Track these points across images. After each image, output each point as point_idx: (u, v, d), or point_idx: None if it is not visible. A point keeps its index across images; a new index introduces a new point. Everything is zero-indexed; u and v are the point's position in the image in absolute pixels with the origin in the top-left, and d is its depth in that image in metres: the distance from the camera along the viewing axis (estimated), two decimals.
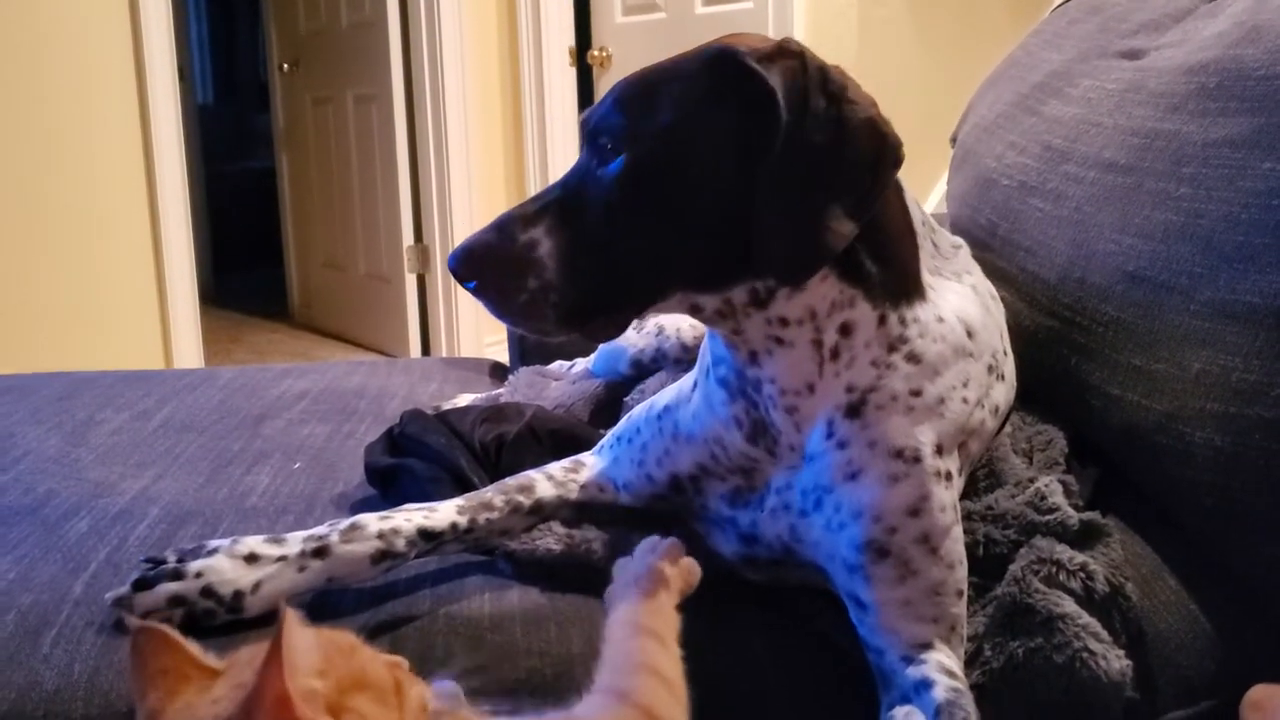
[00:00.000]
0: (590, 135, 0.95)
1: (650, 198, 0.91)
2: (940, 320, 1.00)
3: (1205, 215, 1.09)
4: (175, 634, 0.64)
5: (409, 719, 0.61)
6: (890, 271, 0.97)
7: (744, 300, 0.95)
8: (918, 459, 0.96)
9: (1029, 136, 1.46)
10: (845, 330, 0.95)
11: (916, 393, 0.97)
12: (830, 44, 3.90)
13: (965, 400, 1.01)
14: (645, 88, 0.93)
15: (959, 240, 1.19)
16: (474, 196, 4.50)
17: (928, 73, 4.07)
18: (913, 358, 0.97)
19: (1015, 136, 1.50)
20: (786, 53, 0.91)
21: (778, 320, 0.95)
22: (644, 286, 0.94)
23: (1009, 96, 1.60)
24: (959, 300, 1.05)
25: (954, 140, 1.81)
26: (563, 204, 0.94)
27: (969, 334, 1.03)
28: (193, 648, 0.64)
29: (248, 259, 6.57)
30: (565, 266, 0.92)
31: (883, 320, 0.96)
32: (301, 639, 0.58)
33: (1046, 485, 1.10)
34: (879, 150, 0.91)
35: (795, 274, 0.91)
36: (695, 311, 0.97)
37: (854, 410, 0.96)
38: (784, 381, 0.97)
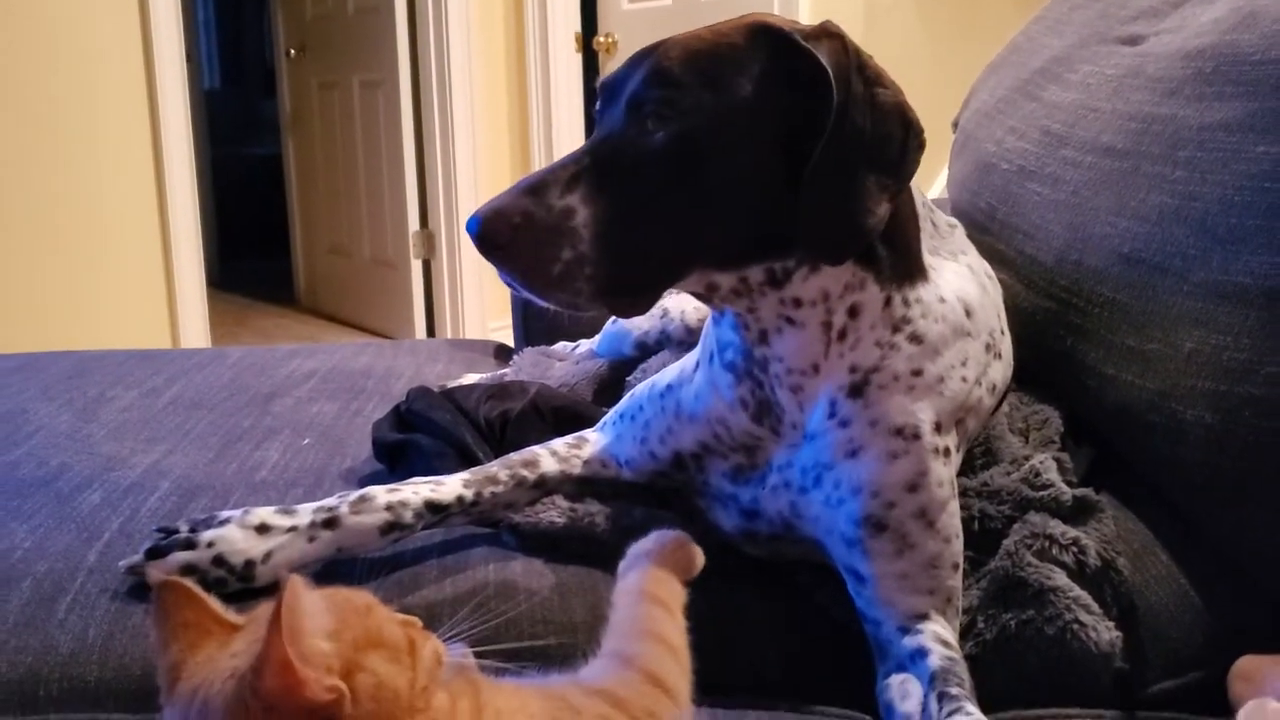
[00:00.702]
0: (628, 104, 0.91)
1: (695, 171, 0.89)
2: (942, 300, 1.02)
3: (1200, 198, 1.11)
4: (198, 589, 0.66)
5: (422, 675, 0.62)
6: (897, 253, 0.98)
7: (760, 279, 0.95)
8: (917, 436, 0.97)
9: (1028, 122, 1.48)
10: (853, 312, 0.96)
11: (917, 372, 0.98)
12: None
13: (964, 379, 1.02)
14: (695, 59, 0.90)
15: (954, 220, 1.20)
16: (479, 182, 4.52)
17: (932, 58, 4.08)
18: (915, 338, 0.99)
19: (1015, 122, 1.51)
20: (830, 34, 0.92)
21: (791, 301, 0.96)
22: (673, 262, 0.93)
23: (1010, 82, 1.61)
24: (958, 280, 1.07)
25: (955, 125, 1.82)
26: (598, 171, 0.90)
27: (968, 313, 1.05)
28: (214, 603, 0.66)
29: (254, 244, 6.58)
30: (601, 238, 0.88)
31: (888, 302, 0.98)
32: (310, 603, 0.59)
33: (1041, 462, 1.12)
34: (907, 134, 0.92)
35: (840, 254, 0.92)
36: (711, 290, 0.96)
37: (856, 390, 0.97)
38: (791, 361, 0.98)
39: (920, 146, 0.93)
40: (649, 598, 0.82)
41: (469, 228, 0.88)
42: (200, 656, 0.63)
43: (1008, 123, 1.54)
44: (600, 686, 0.73)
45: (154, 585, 0.67)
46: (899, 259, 0.99)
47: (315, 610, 0.60)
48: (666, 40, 0.94)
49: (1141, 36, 1.37)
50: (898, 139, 0.92)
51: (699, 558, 0.89)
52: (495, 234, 0.87)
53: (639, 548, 0.88)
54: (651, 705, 0.73)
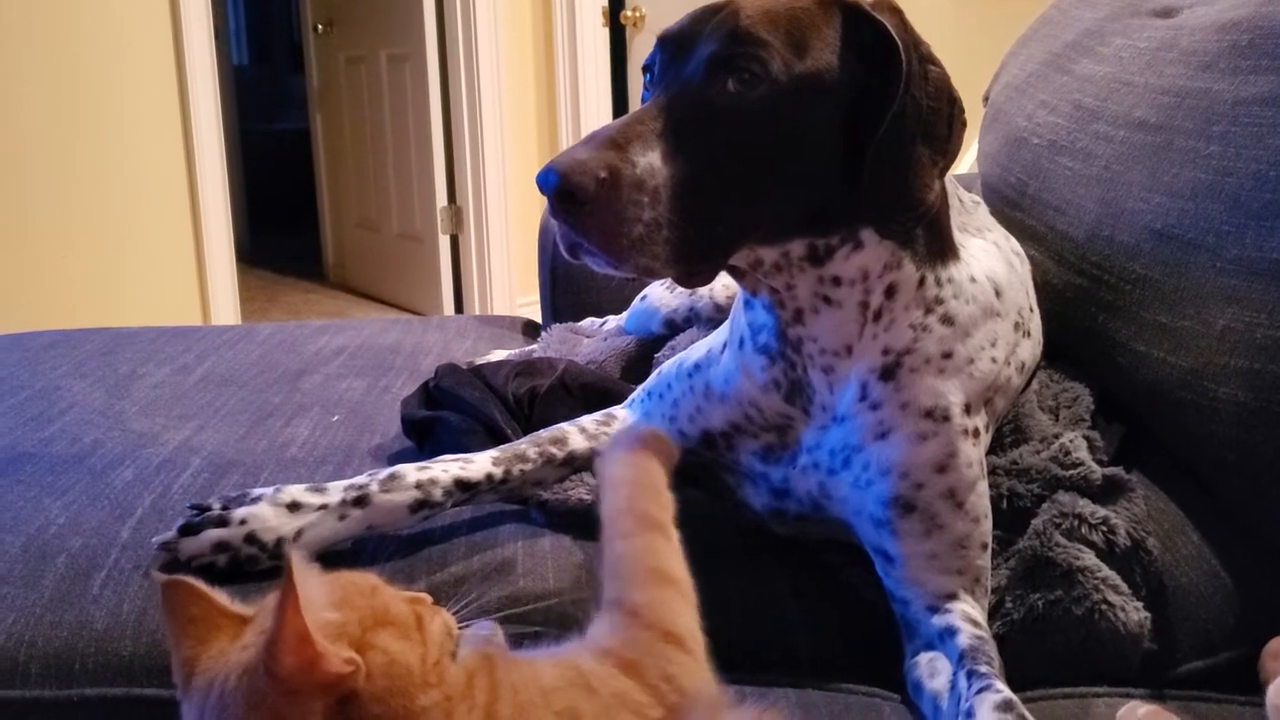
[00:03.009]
0: (714, 60, 0.87)
1: (774, 136, 0.87)
2: (973, 280, 1.01)
3: (1234, 173, 1.10)
4: (202, 585, 0.66)
5: (433, 649, 0.63)
6: (931, 233, 0.98)
7: (801, 254, 0.95)
8: (947, 418, 0.97)
9: (1060, 95, 1.46)
10: (890, 292, 0.96)
11: (948, 355, 0.98)
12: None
13: (994, 360, 1.02)
14: (776, 21, 0.88)
15: (977, 197, 1.19)
16: (507, 157, 4.51)
17: (962, 31, 4.04)
18: (947, 319, 0.98)
19: (1046, 95, 1.50)
20: (892, 7, 0.92)
21: (831, 280, 0.95)
22: (740, 228, 0.90)
23: (1041, 55, 1.60)
24: (987, 258, 1.06)
25: (986, 99, 1.80)
26: (677, 129, 0.86)
27: (997, 293, 1.04)
28: (221, 597, 0.66)
29: (282, 220, 6.61)
30: (679, 199, 0.84)
31: (922, 281, 0.97)
32: (313, 580, 0.60)
33: (1071, 441, 1.12)
34: (953, 110, 0.93)
35: (905, 228, 0.93)
36: (755, 266, 0.95)
37: (889, 372, 0.97)
38: (825, 341, 0.98)
39: (964, 124, 0.94)
40: (642, 521, 0.78)
41: (543, 181, 0.82)
42: (213, 650, 0.64)
43: (1039, 96, 1.52)
44: (610, 647, 0.70)
45: (159, 585, 0.67)
46: (933, 238, 0.98)
47: (317, 586, 0.61)
48: (734, 5, 0.91)
49: (1175, 9, 1.35)
50: (946, 115, 0.92)
51: (675, 449, 0.86)
52: (579, 188, 0.81)
53: (613, 452, 0.84)
54: (666, 666, 0.70)
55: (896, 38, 0.89)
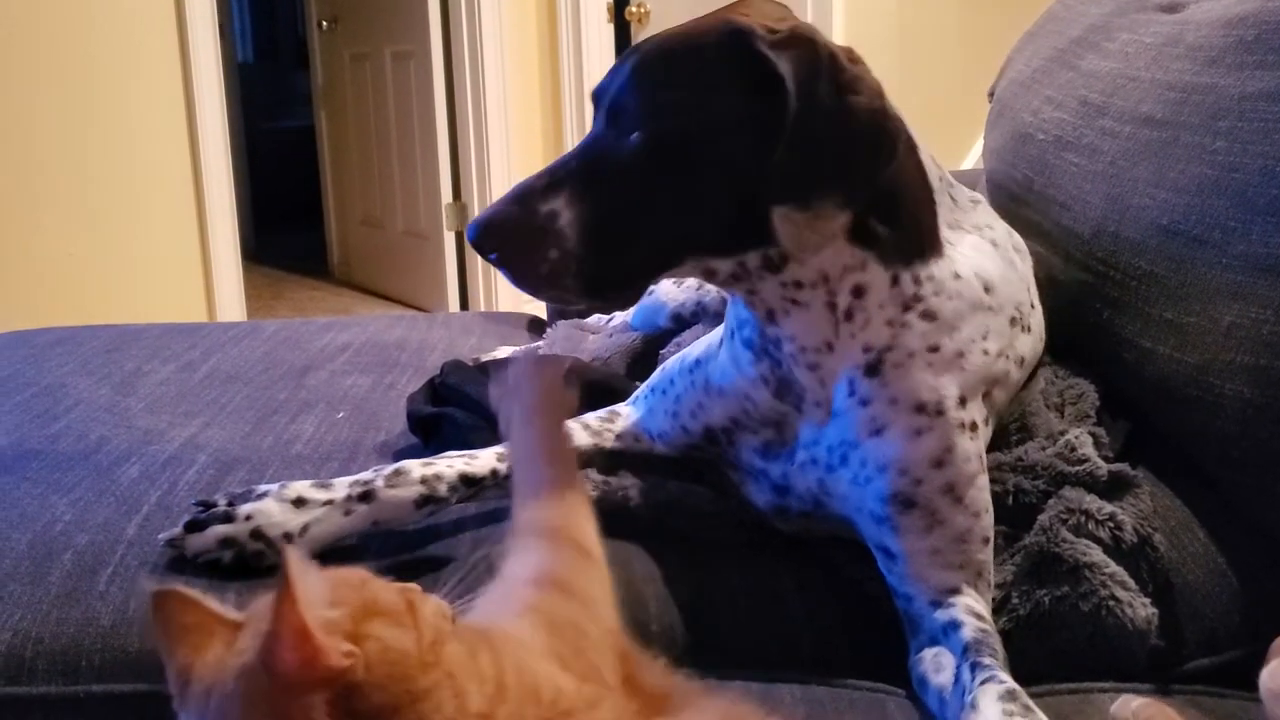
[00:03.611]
0: (608, 110, 0.95)
1: (667, 173, 0.92)
2: (957, 277, 1.00)
3: (1241, 169, 1.09)
4: (193, 592, 0.66)
5: (427, 633, 0.62)
6: (903, 232, 0.97)
7: (757, 264, 0.95)
8: (940, 411, 0.97)
9: (1066, 91, 1.46)
10: (858, 292, 0.96)
11: (934, 348, 0.98)
12: None
13: (986, 352, 1.02)
14: (660, 63, 0.94)
15: (978, 195, 1.19)
16: (512, 153, 4.51)
17: (967, 26, 4.03)
18: (928, 315, 0.98)
19: (1052, 91, 1.49)
20: (799, 38, 0.91)
21: (792, 284, 0.96)
22: (660, 255, 0.96)
23: (1047, 51, 1.59)
24: (977, 255, 1.05)
25: (991, 95, 1.80)
26: (582, 175, 0.94)
27: (986, 289, 1.03)
28: (212, 603, 0.66)
29: (287, 217, 6.61)
30: (586, 237, 0.92)
31: (895, 280, 0.97)
32: (309, 575, 0.60)
33: (1077, 437, 1.11)
34: (879, 140, 0.91)
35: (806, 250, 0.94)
36: (709, 275, 0.98)
37: (873, 369, 0.97)
38: (803, 340, 0.98)
39: (892, 155, 0.92)
40: (544, 442, 0.86)
41: (467, 235, 0.95)
42: (208, 657, 0.63)
43: (1044, 92, 1.52)
44: (545, 571, 0.75)
45: (149, 596, 0.66)
46: (905, 237, 0.97)
47: (314, 582, 0.61)
48: (645, 42, 0.97)
49: (1181, 4, 1.35)
50: (867, 148, 0.91)
51: (564, 363, 0.94)
52: (486, 241, 0.93)
53: (508, 379, 0.90)
54: (587, 585, 0.75)
55: (786, 74, 0.88)
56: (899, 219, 0.97)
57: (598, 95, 0.98)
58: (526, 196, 0.94)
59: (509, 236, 0.93)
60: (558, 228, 0.92)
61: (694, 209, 0.94)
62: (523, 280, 0.95)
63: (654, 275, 0.98)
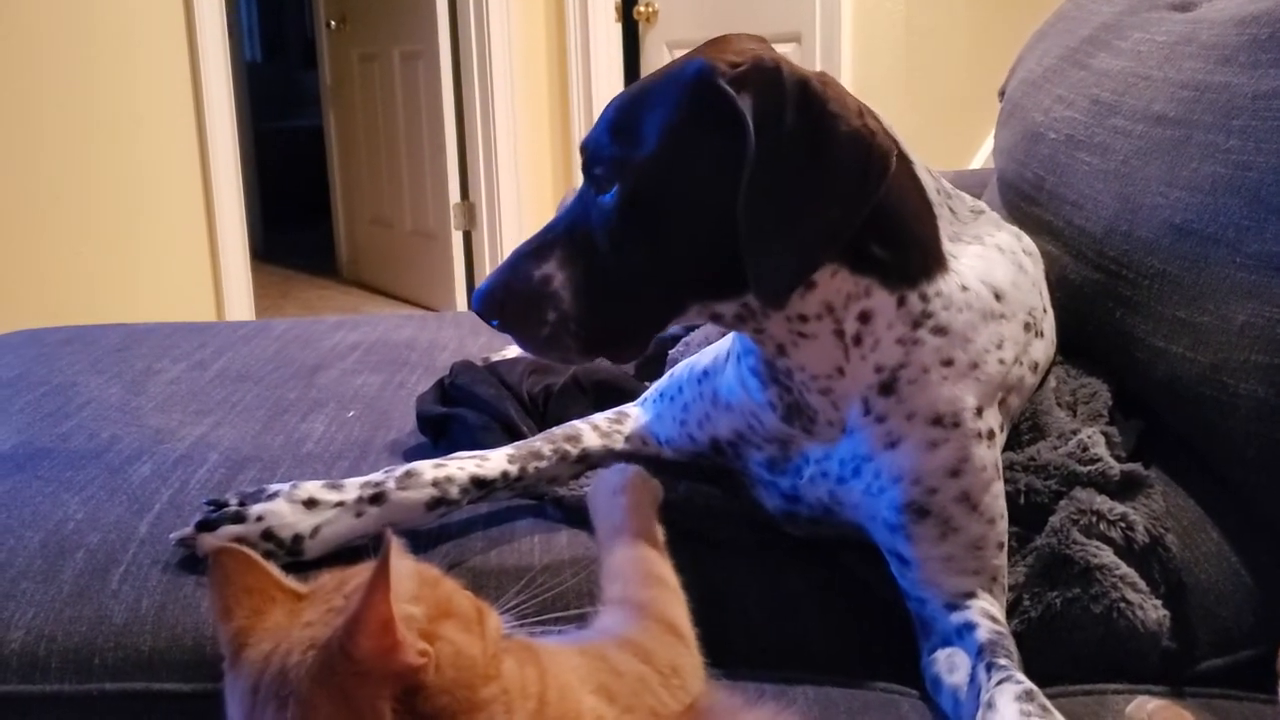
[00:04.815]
0: (586, 166, 0.95)
1: (647, 224, 0.92)
2: (964, 289, 0.99)
3: (1254, 168, 1.09)
4: (257, 556, 0.67)
5: (490, 645, 0.63)
6: (904, 253, 0.96)
7: (759, 304, 0.94)
8: (957, 423, 0.96)
9: (1077, 90, 1.45)
10: (864, 318, 0.95)
11: (948, 362, 0.97)
12: None
13: (1001, 361, 1.01)
14: (630, 112, 0.93)
15: (980, 205, 1.18)
16: (519, 153, 4.52)
17: (977, 26, 4.03)
18: (939, 330, 0.97)
19: (1063, 90, 1.49)
20: (761, 70, 0.88)
21: (797, 318, 0.95)
22: (659, 306, 0.95)
23: (1058, 50, 1.59)
24: (983, 264, 1.04)
25: (1002, 94, 1.80)
26: (570, 236, 0.95)
27: (997, 296, 1.02)
28: (275, 570, 0.66)
29: (296, 216, 6.63)
30: (581, 296, 0.93)
31: (902, 301, 0.95)
32: (402, 565, 0.60)
33: (1089, 437, 1.11)
34: (864, 163, 0.88)
35: (771, 297, 0.90)
36: (716, 319, 0.97)
37: (887, 388, 0.96)
38: (813, 369, 0.97)
39: (884, 171, 0.88)
40: (639, 535, 0.86)
41: (473, 306, 0.98)
42: (268, 623, 0.63)
43: (1056, 91, 1.51)
44: (626, 635, 0.75)
45: (211, 552, 0.67)
46: (907, 257, 0.96)
47: (406, 574, 0.61)
48: (623, 92, 0.97)
49: (1194, 3, 1.35)
50: (852, 168, 0.88)
51: (660, 489, 0.94)
52: (488, 311, 0.96)
53: (607, 517, 0.92)
54: (674, 657, 0.75)
55: (745, 109, 0.87)
56: (898, 239, 0.95)
57: (583, 149, 0.97)
58: (521, 263, 0.95)
59: (509, 304, 0.95)
60: (552, 291, 0.94)
61: (679, 259, 0.93)
62: (527, 343, 0.97)
63: (657, 326, 0.97)
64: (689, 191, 0.91)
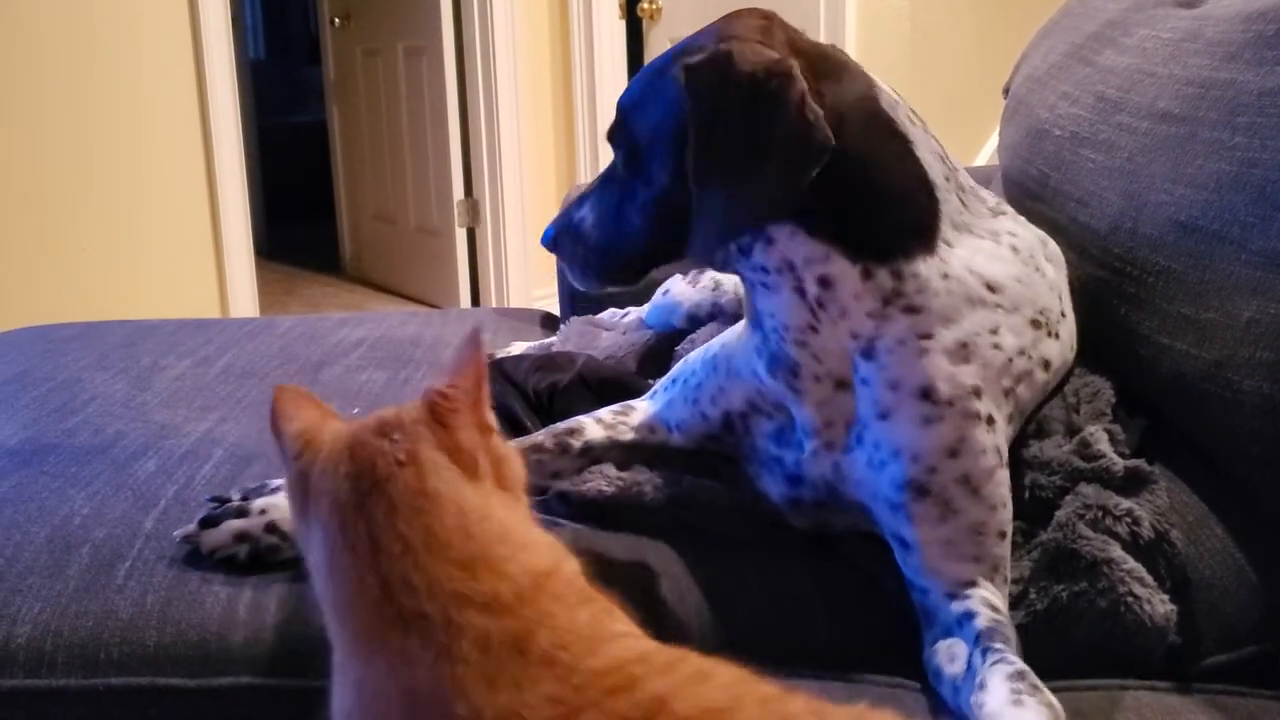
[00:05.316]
0: (609, 133, 1.10)
1: (635, 179, 1.05)
2: (945, 276, 0.99)
3: (1259, 164, 1.09)
4: (309, 392, 0.77)
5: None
6: (875, 228, 0.98)
7: (733, 248, 1.02)
8: (950, 401, 0.97)
9: (1082, 87, 1.45)
10: (824, 283, 0.98)
11: (926, 336, 0.98)
12: None
13: (998, 346, 1.01)
14: (636, 87, 1.06)
15: (1005, 206, 1.18)
16: (524, 150, 4.52)
17: (982, 22, 4.03)
18: (911, 309, 0.98)
19: (1068, 87, 1.49)
20: (716, 59, 0.96)
21: (760, 268, 1.01)
22: (651, 250, 1.07)
23: (1063, 47, 1.59)
24: (980, 258, 1.03)
25: (1006, 91, 1.80)
26: (598, 187, 1.11)
27: (991, 288, 1.02)
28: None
29: (299, 213, 6.62)
30: (594, 236, 1.09)
31: (868, 274, 0.97)
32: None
33: (1092, 434, 1.11)
34: (797, 154, 0.93)
35: (698, 250, 1.02)
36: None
37: (867, 353, 0.99)
38: (782, 317, 1.02)
39: (817, 158, 0.93)
40: None
41: (543, 241, 1.16)
42: (330, 426, 0.73)
43: (1061, 88, 1.51)
44: None
45: (273, 394, 0.77)
46: (879, 233, 0.98)
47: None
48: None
49: None
50: (782, 155, 0.94)
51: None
52: (551, 244, 1.14)
53: None
54: None
55: (690, 94, 0.97)
56: (871, 215, 0.98)
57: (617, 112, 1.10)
58: (571, 207, 1.13)
59: (561, 238, 1.12)
60: (585, 230, 1.10)
61: (663, 203, 1.03)
62: (572, 272, 1.13)
63: (650, 265, 1.09)
64: (661, 156, 1.02)
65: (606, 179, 1.11)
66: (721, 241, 1.00)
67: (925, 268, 0.99)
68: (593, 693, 0.60)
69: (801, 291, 0.99)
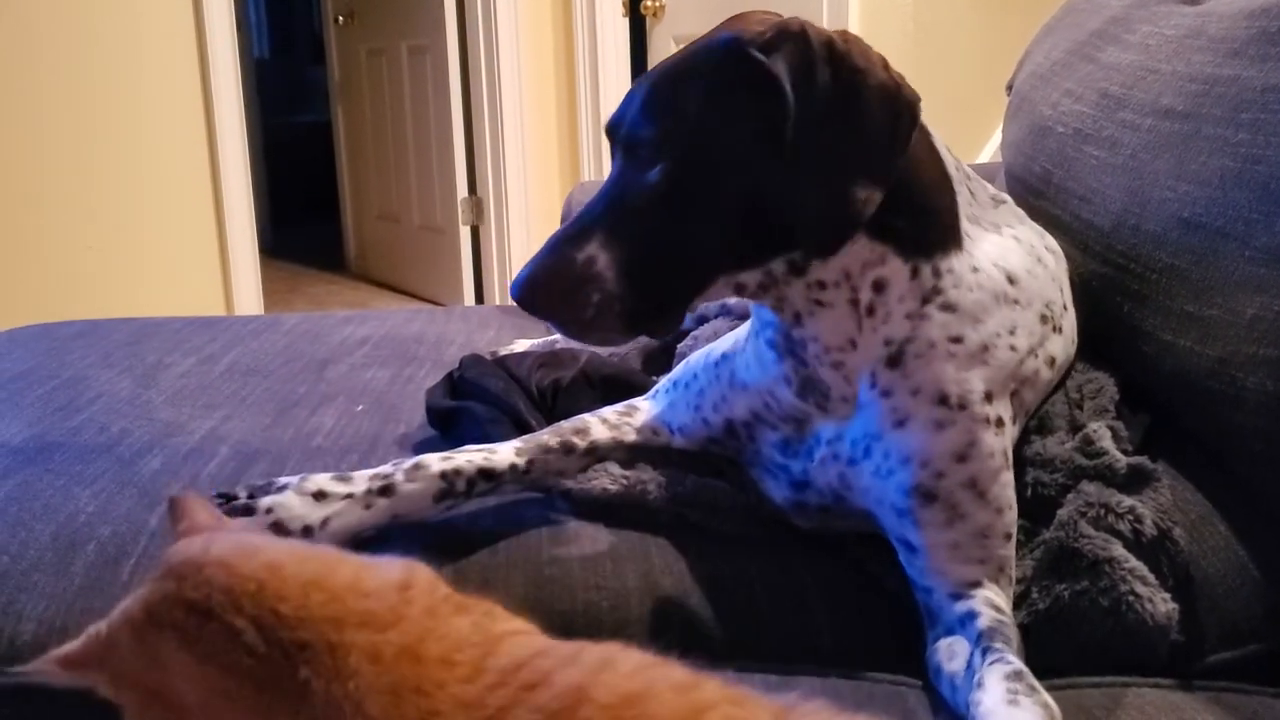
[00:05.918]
0: (624, 146, 0.97)
1: (691, 198, 0.94)
2: (975, 270, 1.00)
3: (1263, 161, 1.09)
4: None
5: None
6: (920, 223, 0.98)
7: (783, 270, 0.97)
8: (964, 405, 0.97)
9: (1085, 84, 1.45)
10: (878, 287, 0.96)
11: (956, 339, 0.97)
12: None
13: (1013, 348, 1.01)
14: (667, 89, 0.96)
15: (1003, 195, 1.18)
16: (527, 148, 4.52)
17: (985, 19, 4.02)
18: (947, 307, 0.98)
19: (1071, 84, 1.49)
20: (788, 34, 0.92)
21: (816, 284, 0.97)
22: (696, 279, 0.97)
23: (1066, 44, 1.59)
24: (998, 250, 1.05)
25: (1009, 88, 1.80)
26: (611, 216, 0.95)
27: (1011, 281, 1.03)
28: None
29: (304, 211, 6.63)
30: (624, 276, 0.93)
31: (915, 272, 0.97)
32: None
33: (1095, 431, 1.11)
34: (895, 112, 0.92)
35: (827, 246, 0.94)
36: (740, 290, 0.98)
37: (894, 361, 0.97)
38: (827, 340, 0.99)
39: (913, 120, 0.93)
40: None
41: (511, 293, 0.96)
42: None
43: (1064, 85, 1.51)
44: None
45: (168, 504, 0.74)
46: (923, 229, 0.98)
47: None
48: (650, 72, 0.99)
49: None
50: (883, 120, 0.91)
51: None
52: (528, 298, 0.95)
53: None
54: None
55: (780, 72, 0.90)
56: (915, 208, 0.97)
57: (611, 130, 1.00)
58: (560, 248, 0.95)
59: (552, 288, 0.94)
60: (595, 273, 0.93)
61: (724, 226, 0.94)
62: (569, 327, 0.96)
63: (691, 301, 0.98)
64: (730, 158, 0.93)
65: (613, 211, 0.96)
66: (850, 229, 0.92)
67: (958, 263, 0.99)
68: (509, 691, 0.59)
69: (855, 302, 0.97)
